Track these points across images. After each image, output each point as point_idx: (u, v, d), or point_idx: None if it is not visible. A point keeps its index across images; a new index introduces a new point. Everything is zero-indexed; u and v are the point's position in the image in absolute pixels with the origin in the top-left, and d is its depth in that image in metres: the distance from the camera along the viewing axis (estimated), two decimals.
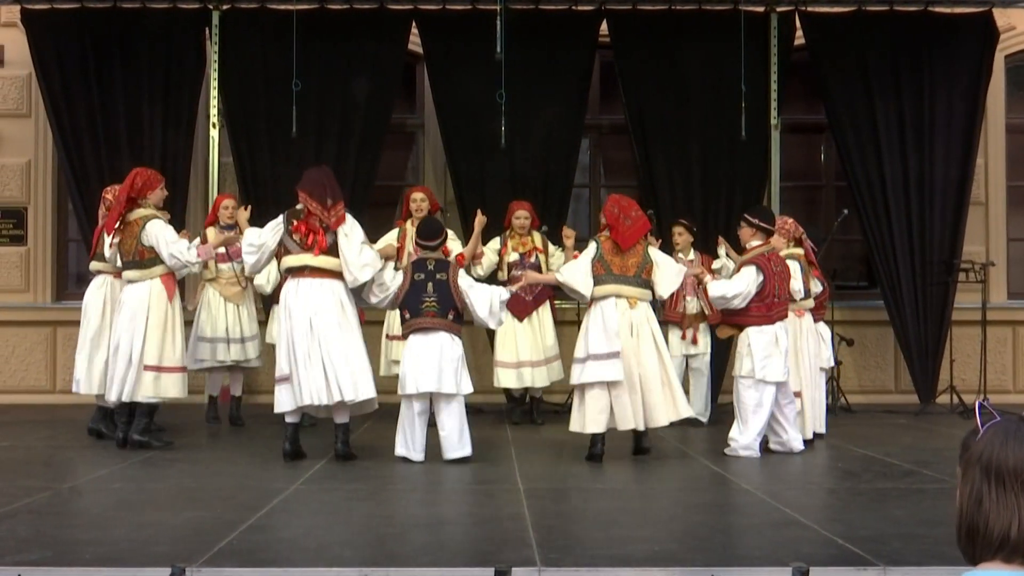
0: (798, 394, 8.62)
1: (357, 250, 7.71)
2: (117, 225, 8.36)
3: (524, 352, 10.05)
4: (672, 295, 9.32)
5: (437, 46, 11.93)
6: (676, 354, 9.85)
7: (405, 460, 7.74)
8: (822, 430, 9.06)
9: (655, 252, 8.11)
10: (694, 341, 10.12)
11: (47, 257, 12.78)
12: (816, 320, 9.23)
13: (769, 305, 8.12)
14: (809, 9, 11.97)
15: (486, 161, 11.73)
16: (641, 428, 7.84)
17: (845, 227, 11.80)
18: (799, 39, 12.08)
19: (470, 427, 7.87)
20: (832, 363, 9.85)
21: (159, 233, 8.26)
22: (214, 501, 6.39)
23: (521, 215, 10.27)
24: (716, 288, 8.17)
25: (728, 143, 11.61)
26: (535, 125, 11.67)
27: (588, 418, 7.80)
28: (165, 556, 4.81)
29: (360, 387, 7.67)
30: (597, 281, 7.85)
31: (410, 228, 9.87)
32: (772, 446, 8.29)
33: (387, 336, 10.13)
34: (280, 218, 7.90)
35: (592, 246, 8.01)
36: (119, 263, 8.51)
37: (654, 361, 7.84)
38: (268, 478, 7.14)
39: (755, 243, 8.36)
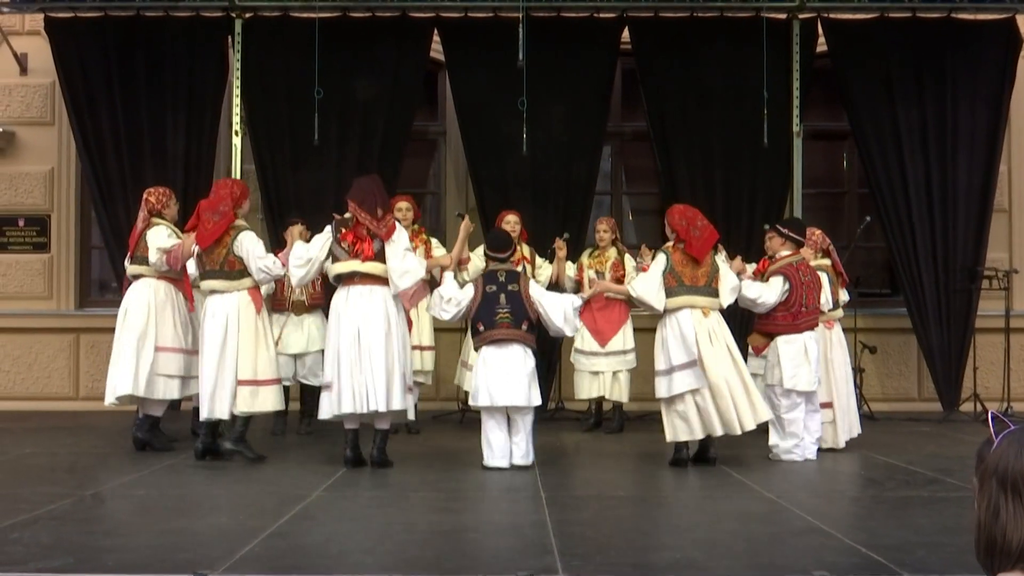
0: (828, 404, 8.68)
1: (400, 256, 7.76)
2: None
3: None
4: None
5: (459, 53, 11.95)
6: None
7: (495, 470, 7.77)
8: (854, 435, 9.09)
9: (721, 262, 8.21)
10: None
11: (70, 264, 12.85)
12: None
13: (795, 314, 8.22)
14: (832, 16, 11.94)
15: (507, 168, 11.73)
16: (736, 432, 7.94)
17: (868, 234, 11.75)
18: (821, 45, 12.04)
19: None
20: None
21: (252, 247, 8.11)
22: (236, 508, 6.41)
23: (511, 220, 10.27)
24: (751, 290, 8.25)
25: (750, 150, 11.59)
26: (556, 132, 11.66)
27: (680, 427, 7.93)
28: (187, 562, 4.82)
29: (392, 397, 7.71)
30: (669, 293, 7.95)
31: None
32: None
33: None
34: (328, 229, 7.97)
35: (661, 258, 8.07)
36: (195, 272, 8.41)
37: (732, 367, 7.96)
38: (290, 485, 7.15)
39: (784, 253, 8.41)
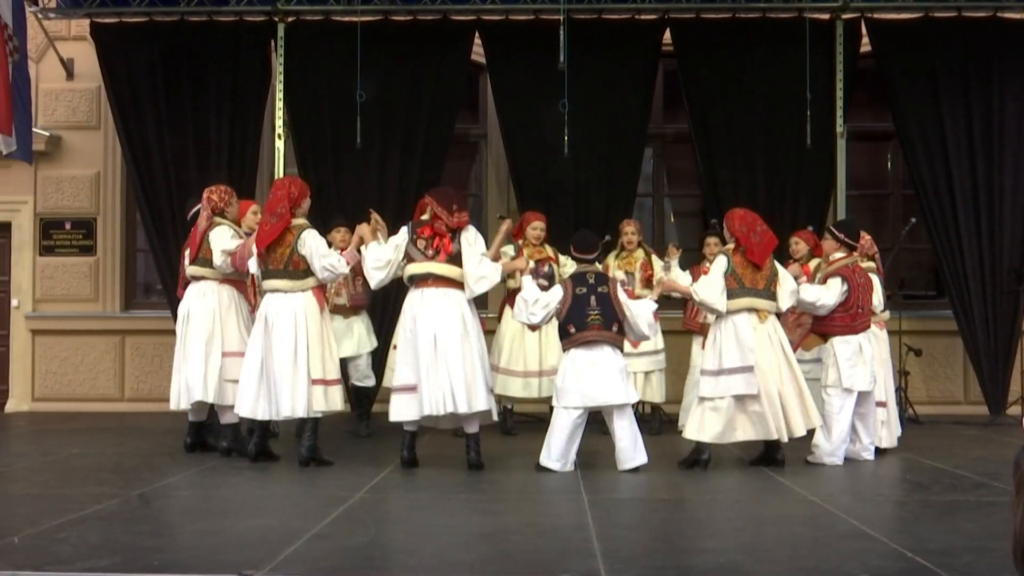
0: (883, 404, 8.74)
1: (476, 261, 7.79)
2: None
3: (532, 363, 10.06)
4: (692, 305, 9.55)
5: (500, 56, 11.97)
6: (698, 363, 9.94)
7: (546, 470, 7.77)
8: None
9: (779, 267, 8.20)
10: None
11: (115, 267, 12.97)
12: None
13: (853, 315, 8.25)
14: (875, 15, 11.86)
15: (549, 170, 11.73)
16: (785, 439, 7.92)
17: (912, 236, 11.64)
18: (865, 46, 11.97)
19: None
20: None
21: (316, 245, 8.02)
22: (280, 509, 6.44)
23: (537, 226, 10.28)
24: (810, 293, 8.23)
25: (793, 151, 11.53)
26: (598, 134, 11.65)
27: (709, 427, 7.90)
28: (231, 563, 4.85)
29: (474, 399, 7.72)
30: (730, 295, 7.93)
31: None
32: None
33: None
34: (404, 231, 7.99)
35: (723, 260, 8.05)
36: (258, 272, 8.28)
37: (789, 372, 7.95)
38: (333, 486, 7.18)
39: (838, 255, 8.41)
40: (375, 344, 10.18)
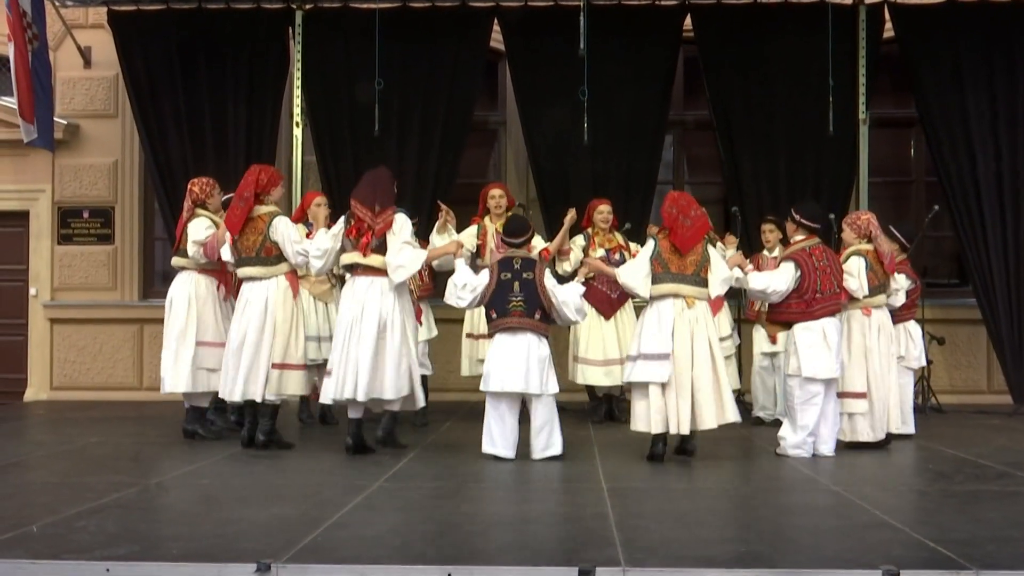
0: (863, 395, 8.45)
1: (396, 249, 7.90)
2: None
3: (611, 350, 10.00)
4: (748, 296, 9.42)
5: (519, 43, 11.94)
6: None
7: (493, 457, 7.78)
8: (910, 430, 8.96)
9: (713, 252, 7.98)
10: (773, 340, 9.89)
11: (134, 255, 13.03)
12: (906, 319, 9.15)
13: (809, 301, 8.04)
14: (899, 1, 11.79)
15: (568, 158, 11.72)
16: (686, 432, 7.75)
17: (936, 223, 11.59)
18: (888, 31, 11.91)
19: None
20: (923, 362, 9.66)
21: (286, 231, 8.23)
22: (299, 498, 6.45)
23: (604, 210, 10.15)
24: (757, 281, 8.13)
25: (815, 138, 11.49)
26: (618, 121, 11.64)
27: (649, 418, 7.74)
28: (250, 552, 4.87)
29: (380, 387, 7.88)
30: (655, 280, 7.78)
31: (489, 225, 9.93)
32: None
33: (468, 335, 10.14)
34: (341, 221, 8.13)
35: (650, 244, 7.93)
36: (231, 260, 8.47)
37: (707, 363, 7.76)
38: (352, 475, 7.19)
39: (798, 238, 8.30)
40: (434, 333, 10.19)
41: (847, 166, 11.75)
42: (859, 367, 8.43)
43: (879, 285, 8.55)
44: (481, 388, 7.91)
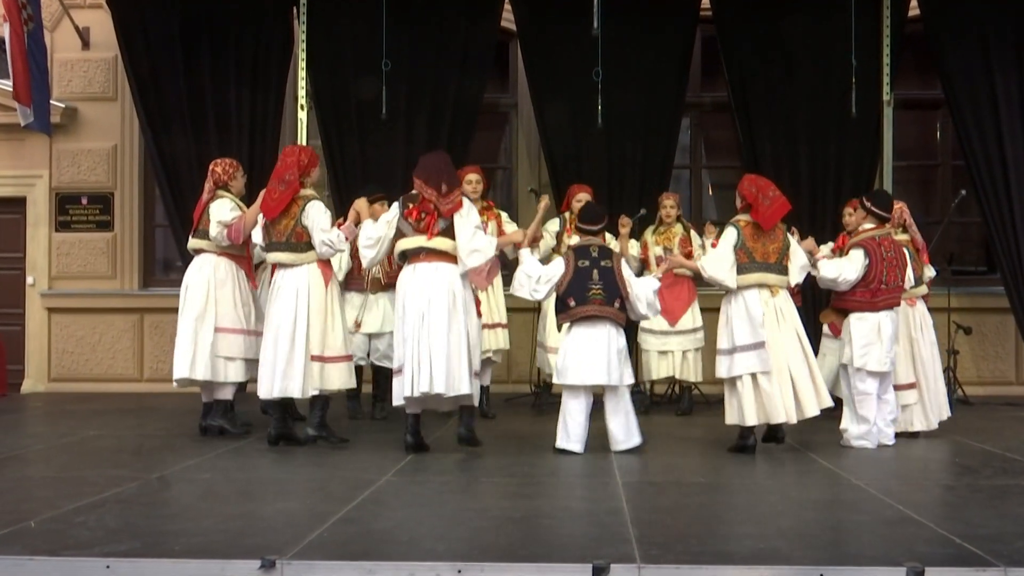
0: (913, 385, 8.59)
1: (469, 234, 7.73)
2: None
3: None
4: None
5: (531, 22, 11.92)
6: None
7: (565, 453, 7.79)
8: (943, 418, 9.00)
9: (791, 239, 8.12)
10: None
11: (134, 243, 13.06)
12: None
13: (874, 291, 8.12)
14: None
15: (582, 141, 11.71)
16: (793, 420, 7.90)
17: (962, 209, 11.55)
18: (913, 9, 11.87)
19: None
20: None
21: (317, 218, 8.02)
22: (304, 492, 6.48)
23: (583, 198, 10.11)
24: (829, 269, 8.15)
25: (837, 121, 11.46)
26: (633, 103, 11.61)
27: (746, 411, 7.87)
28: (255, 548, 4.89)
29: (456, 382, 7.66)
30: (740, 270, 7.87)
31: None
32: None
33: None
34: (395, 206, 7.97)
35: (732, 232, 7.96)
36: (261, 243, 8.32)
37: (799, 350, 7.92)
38: (359, 469, 7.21)
39: (867, 226, 8.31)
40: None
41: (870, 149, 11.72)
42: (907, 358, 8.58)
43: (919, 276, 8.74)
44: (557, 381, 7.98)
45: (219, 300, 8.65)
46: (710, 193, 13.38)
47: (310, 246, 8.04)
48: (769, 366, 7.77)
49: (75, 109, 13.04)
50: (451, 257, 7.76)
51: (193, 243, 8.88)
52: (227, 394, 8.79)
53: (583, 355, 7.80)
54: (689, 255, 9.93)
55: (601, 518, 5.73)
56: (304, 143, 11.69)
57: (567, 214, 10.18)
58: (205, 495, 6.48)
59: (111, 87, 13.06)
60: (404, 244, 7.84)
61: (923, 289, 8.90)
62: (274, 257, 8.19)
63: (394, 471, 7.09)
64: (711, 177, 13.44)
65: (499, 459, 7.68)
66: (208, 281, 8.66)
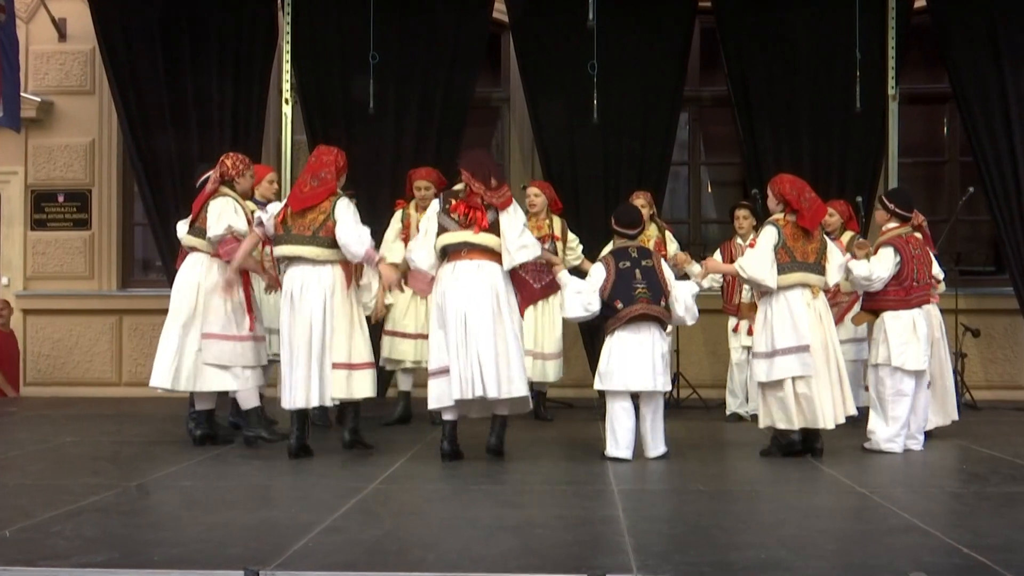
0: (928, 384, 8.63)
1: (519, 230, 7.70)
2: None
3: (527, 342, 9.45)
4: (728, 285, 9.97)
5: (524, 13, 11.91)
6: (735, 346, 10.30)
7: (616, 460, 7.78)
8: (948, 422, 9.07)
9: (828, 239, 8.20)
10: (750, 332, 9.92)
11: (112, 242, 13.04)
12: None
13: (908, 289, 8.23)
14: None
15: (576, 137, 11.71)
16: (831, 426, 7.91)
17: (970, 206, 11.57)
18: (920, 1, 11.87)
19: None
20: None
21: (344, 215, 7.82)
22: (288, 501, 6.47)
23: (531, 193, 10.11)
24: (861, 269, 8.19)
25: (841, 116, 11.48)
26: (629, 98, 11.62)
27: (777, 414, 7.93)
28: (237, 558, 4.88)
29: (508, 383, 7.59)
30: (782, 270, 7.89)
31: (414, 214, 9.66)
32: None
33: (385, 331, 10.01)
34: (434, 204, 7.93)
35: (772, 232, 7.97)
36: (269, 234, 8.02)
37: (833, 355, 7.96)
38: (345, 476, 7.21)
39: (891, 226, 8.43)
40: None
41: (875, 145, 11.73)
42: (934, 356, 8.66)
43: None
44: (599, 387, 7.95)
45: (209, 305, 8.34)
46: (708, 191, 13.38)
47: (336, 244, 7.83)
48: (811, 370, 7.79)
49: (51, 103, 13.02)
50: (494, 255, 7.71)
51: (188, 240, 8.54)
52: (209, 403, 8.59)
53: (628, 360, 7.79)
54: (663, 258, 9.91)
55: (596, 527, 5.73)
56: (289, 139, 11.73)
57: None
58: (186, 503, 6.47)
59: (88, 80, 13.04)
60: (446, 240, 7.74)
61: (941, 287, 9.10)
62: (292, 250, 7.89)
63: (381, 479, 7.08)
64: (710, 174, 13.45)
65: (491, 466, 7.67)
66: (198, 285, 8.38)
